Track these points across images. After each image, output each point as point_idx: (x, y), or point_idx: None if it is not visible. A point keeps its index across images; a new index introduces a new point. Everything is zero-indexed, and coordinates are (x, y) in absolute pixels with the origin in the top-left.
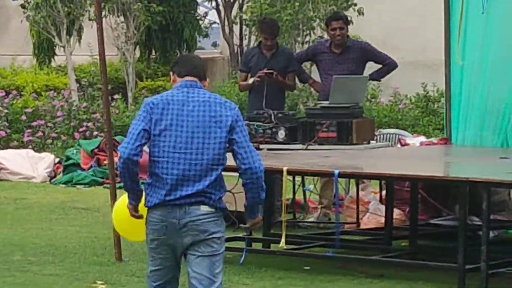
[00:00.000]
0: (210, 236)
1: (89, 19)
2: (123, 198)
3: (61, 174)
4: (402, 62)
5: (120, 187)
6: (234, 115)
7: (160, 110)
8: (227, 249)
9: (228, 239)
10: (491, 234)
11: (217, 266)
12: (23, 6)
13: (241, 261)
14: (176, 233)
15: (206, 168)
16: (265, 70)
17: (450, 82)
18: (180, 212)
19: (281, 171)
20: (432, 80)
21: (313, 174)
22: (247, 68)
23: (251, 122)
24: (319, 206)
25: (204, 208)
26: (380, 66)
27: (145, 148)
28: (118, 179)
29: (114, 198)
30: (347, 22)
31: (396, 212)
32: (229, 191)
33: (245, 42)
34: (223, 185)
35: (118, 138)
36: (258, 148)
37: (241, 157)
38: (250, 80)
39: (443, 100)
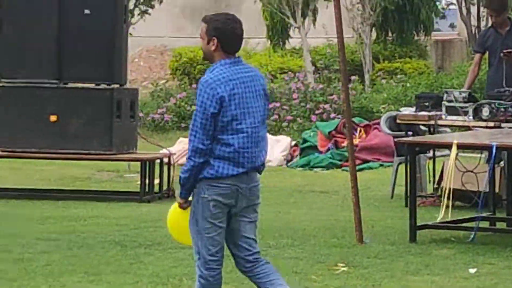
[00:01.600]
0: (258, 202)
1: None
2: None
3: (297, 157)
4: None
5: (360, 169)
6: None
7: (229, 88)
8: (471, 229)
9: (470, 220)
10: None
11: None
12: None
13: (471, 239)
14: (241, 197)
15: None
16: (505, 51)
17: None
18: (247, 177)
19: None
20: None
21: None
22: (482, 49)
23: (492, 101)
24: None
25: (258, 175)
26: None
27: (385, 128)
28: (359, 161)
29: (354, 180)
30: None
31: None
32: (471, 171)
33: (482, 23)
34: None
35: (356, 119)
36: (499, 127)
37: None
38: None
39: None
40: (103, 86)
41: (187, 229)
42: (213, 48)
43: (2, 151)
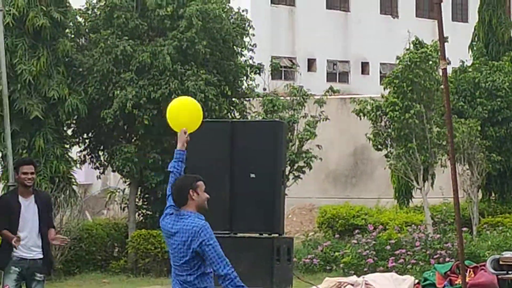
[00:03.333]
0: None
1: (441, 166)
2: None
3: None
4: None
5: None
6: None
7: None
8: None
9: None
10: None
11: None
12: (386, 156)
13: None
14: None
15: None
16: None
17: None
18: None
19: None
20: None
21: None
22: None
23: None
24: None
25: None
26: None
27: (490, 268)
28: None
29: None
30: None
31: None
32: None
33: None
34: None
35: (466, 262)
36: None
37: None
38: None
39: None
40: (265, 235)
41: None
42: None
43: None
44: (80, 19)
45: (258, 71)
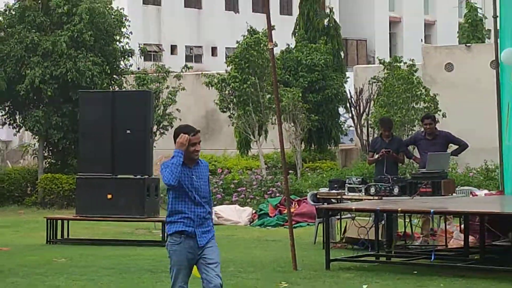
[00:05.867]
0: None
1: (271, 124)
2: None
3: (256, 220)
4: (471, 149)
5: (295, 227)
6: None
7: None
8: (364, 262)
9: (364, 256)
10: None
11: None
12: (230, 117)
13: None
14: None
15: None
16: (385, 150)
17: (502, 159)
18: None
19: (396, 211)
20: (491, 157)
21: (417, 213)
22: (373, 149)
23: (377, 183)
24: (421, 236)
25: None
26: (457, 146)
27: (310, 201)
28: (294, 222)
29: (291, 233)
30: (435, 120)
31: (471, 238)
32: (364, 226)
33: (370, 138)
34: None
35: (292, 196)
36: (381, 199)
37: None
38: (376, 156)
39: (498, 170)
40: (138, 176)
41: None
42: None
43: (80, 216)
44: (0, 18)
45: (130, 54)
